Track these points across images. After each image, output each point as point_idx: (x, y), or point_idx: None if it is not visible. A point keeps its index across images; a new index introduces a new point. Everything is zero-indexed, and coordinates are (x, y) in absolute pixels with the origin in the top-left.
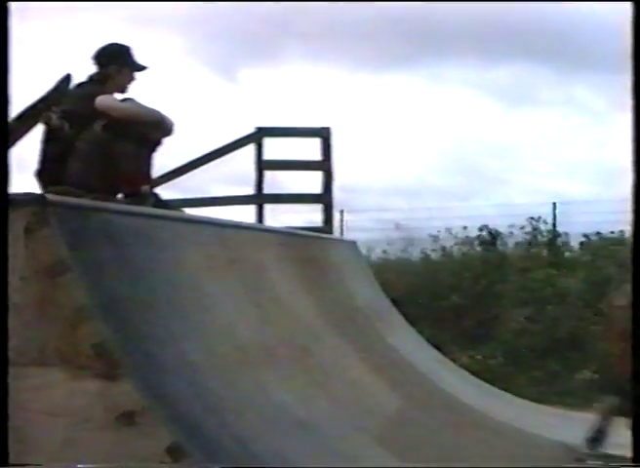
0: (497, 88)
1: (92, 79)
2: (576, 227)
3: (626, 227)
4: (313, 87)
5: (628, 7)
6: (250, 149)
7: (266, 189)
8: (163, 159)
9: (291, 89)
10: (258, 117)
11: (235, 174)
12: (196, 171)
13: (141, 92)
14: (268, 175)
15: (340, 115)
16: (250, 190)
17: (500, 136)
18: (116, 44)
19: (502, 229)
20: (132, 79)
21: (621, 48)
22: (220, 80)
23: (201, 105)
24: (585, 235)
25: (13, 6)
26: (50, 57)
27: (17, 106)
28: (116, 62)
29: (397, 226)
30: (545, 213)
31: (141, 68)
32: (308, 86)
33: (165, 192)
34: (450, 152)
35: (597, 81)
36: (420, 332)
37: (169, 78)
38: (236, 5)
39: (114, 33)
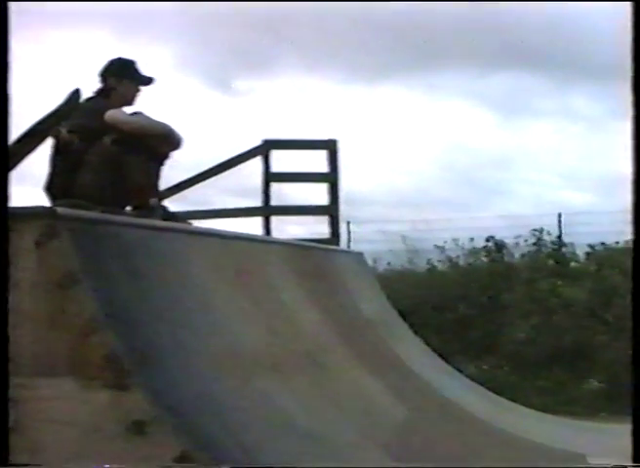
0: (494, 97)
1: (100, 93)
2: (580, 238)
3: (631, 237)
4: (309, 98)
5: (625, 11)
6: (256, 161)
7: (272, 201)
8: (168, 171)
9: (287, 100)
10: (254, 128)
11: (241, 186)
12: (203, 183)
13: (143, 105)
14: (274, 186)
15: (337, 126)
16: (255, 202)
17: (499, 147)
18: (122, 58)
19: (508, 240)
20: (137, 91)
21: (618, 56)
22: (214, 92)
23: (196, 117)
24: (590, 245)
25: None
26: (42, 71)
27: (21, 121)
28: (123, 76)
29: (403, 238)
30: (550, 223)
31: (148, 81)
32: (304, 97)
33: (172, 204)
34: (449, 163)
35: (594, 90)
36: (427, 343)
37: (163, 90)
38: (228, 16)
39: (104, 46)
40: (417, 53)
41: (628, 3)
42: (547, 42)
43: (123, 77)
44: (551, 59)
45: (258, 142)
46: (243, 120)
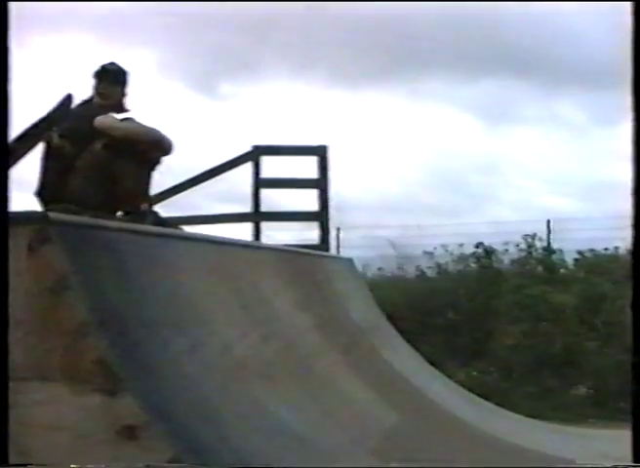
0: (478, 103)
1: (91, 99)
2: (568, 244)
3: (620, 243)
4: (294, 102)
5: (613, 18)
6: (243, 167)
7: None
8: (158, 177)
9: (271, 105)
10: (239, 133)
11: (227, 192)
12: (192, 189)
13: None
14: (264, 192)
15: (323, 132)
16: (240, 208)
17: (485, 153)
18: (114, 64)
19: (497, 246)
20: (124, 96)
21: (604, 62)
22: (198, 96)
23: (181, 121)
24: (579, 251)
25: None
26: (27, 76)
27: (17, 127)
28: (114, 82)
29: (392, 244)
30: (538, 229)
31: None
32: (289, 102)
33: (161, 210)
34: (435, 169)
35: (580, 96)
36: (417, 349)
37: (148, 95)
38: (212, 20)
39: (88, 50)
40: (401, 58)
41: (628, 3)
42: (533, 48)
43: (115, 83)
44: (537, 66)
45: (243, 147)
46: (228, 125)
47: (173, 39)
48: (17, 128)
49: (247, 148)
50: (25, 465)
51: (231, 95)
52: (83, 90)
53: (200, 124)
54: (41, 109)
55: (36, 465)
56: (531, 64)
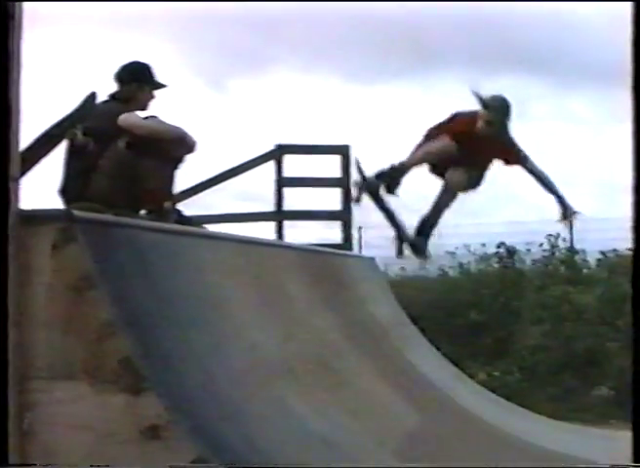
0: None
1: (114, 97)
2: (589, 244)
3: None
4: (308, 99)
5: (624, 14)
6: (264, 166)
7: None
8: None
9: (285, 102)
10: (253, 130)
11: (247, 190)
12: (214, 187)
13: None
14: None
15: (339, 128)
16: (258, 207)
17: None
18: (137, 62)
19: (518, 246)
20: (152, 97)
21: (617, 59)
22: (210, 92)
23: (195, 118)
24: (602, 252)
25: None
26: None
27: (37, 126)
28: (137, 80)
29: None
30: (558, 229)
31: (161, 86)
32: (303, 98)
33: (184, 209)
34: None
35: (593, 94)
36: (438, 349)
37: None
38: (225, 15)
39: (99, 47)
40: (415, 55)
41: (628, 3)
42: (546, 45)
43: (139, 81)
44: (550, 63)
45: (258, 144)
46: (241, 122)
47: (183, 35)
48: (36, 127)
49: (267, 146)
50: (25, 465)
51: (244, 91)
52: (98, 86)
53: (213, 121)
54: (58, 107)
55: (36, 465)
56: (545, 62)
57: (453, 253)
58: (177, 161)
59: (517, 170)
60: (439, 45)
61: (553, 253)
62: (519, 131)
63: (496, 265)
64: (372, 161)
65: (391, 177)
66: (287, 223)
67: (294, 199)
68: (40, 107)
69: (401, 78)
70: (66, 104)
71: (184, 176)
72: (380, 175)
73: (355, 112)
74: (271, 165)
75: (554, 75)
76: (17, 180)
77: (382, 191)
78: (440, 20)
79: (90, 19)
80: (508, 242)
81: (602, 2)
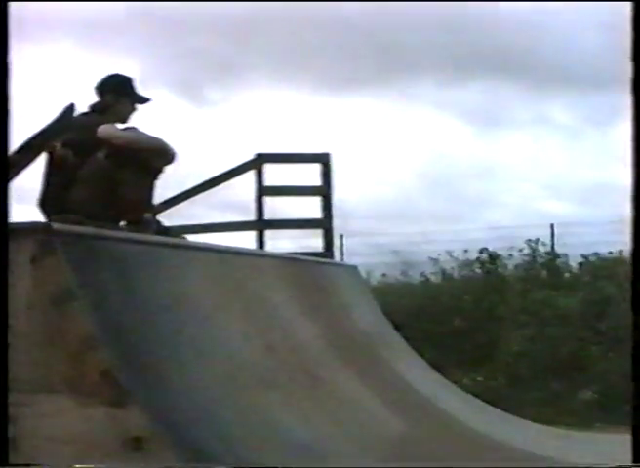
0: (468, 106)
1: (94, 109)
2: (570, 248)
3: (624, 247)
4: (282, 108)
5: (603, 18)
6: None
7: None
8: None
9: (259, 111)
10: (228, 140)
11: (227, 200)
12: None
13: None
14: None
15: (313, 137)
16: (242, 216)
17: (478, 157)
18: (118, 75)
19: (500, 252)
20: (133, 110)
21: (595, 63)
22: (184, 102)
23: (172, 129)
24: (584, 256)
25: None
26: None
27: (16, 137)
28: (118, 93)
29: (395, 252)
30: (539, 234)
31: (143, 100)
32: (277, 107)
33: (166, 219)
34: (431, 174)
35: (570, 98)
36: (422, 355)
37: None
38: (192, 24)
39: (70, 58)
40: (389, 61)
41: (621, 3)
42: (522, 49)
43: (120, 94)
44: (527, 67)
45: (235, 154)
46: (216, 131)
47: (154, 45)
48: (16, 138)
49: (246, 156)
50: (25, 465)
51: (218, 101)
52: (70, 98)
53: (189, 131)
54: (33, 119)
55: (36, 465)
56: (521, 66)
57: (435, 260)
58: (156, 172)
59: None
60: (414, 50)
61: (534, 258)
62: (497, 135)
63: (478, 271)
64: (349, 168)
65: None
66: (268, 232)
67: (274, 208)
68: (18, 119)
69: (375, 85)
70: (45, 116)
71: (164, 187)
72: None
73: (330, 121)
74: (251, 174)
75: (531, 79)
76: None
77: None
78: (414, 25)
79: (66, 32)
80: (490, 247)
81: (596, 2)
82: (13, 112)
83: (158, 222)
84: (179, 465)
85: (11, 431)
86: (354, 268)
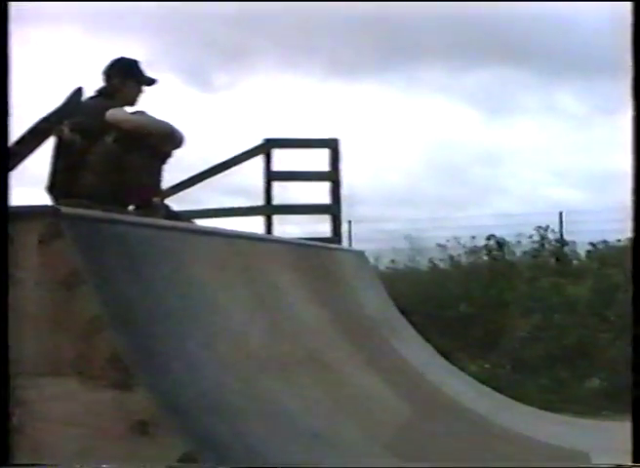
0: (477, 93)
1: (102, 92)
2: (578, 236)
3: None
4: (290, 94)
5: (610, 7)
6: (252, 161)
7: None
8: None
9: (268, 97)
10: (237, 125)
11: (235, 185)
12: (203, 182)
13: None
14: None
15: (321, 123)
16: (249, 201)
17: (486, 144)
18: (125, 58)
19: (508, 238)
20: (140, 92)
21: (604, 51)
22: (192, 88)
23: (179, 114)
24: (592, 243)
25: None
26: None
27: (23, 122)
28: (125, 76)
29: (406, 237)
30: (547, 221)
31: (151, 82)
32: (285, 93)
33: (173, 204)
34: (439, 161)
35: (578, 85)
36: (429, 341)
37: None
38: (202, 11)
39: (78, 44)
40: (398, 48)
41: (628, 3)
42: (530, 37)
43: (127, 77)
44: (535, 54)
45: (242, 139)
46: (225, 117)
47: (161, 30)
48: (22, 123)
49: (254, 141)
50: (25, 465)
51: (226, 86)
52: (82, 82)
53: (197, 116)
54: (41, 104)
55: (36, 465)
56: (529, 53)
57: (443, 246)
58: (165, 156)
59: None
60: (423, 38)
61: (543, 245)
62: (506, 122)
63: (486, 257)
64: (357, 154)
65: None
66: (276, 218)
67: (283, 193)
68: (26, 103)
69: (384, 71)
70: (53, 100)
71: (173, 172)
72: None
73: (338, 107)
74: (260, 159)
75: (540, 66)
76: None
77: None
78: (422, 13)
79: (72, 18)
80: (498, 234)
81: (601, 2)
82: (18, 99)
83: (167, 207)
84: (179, 465)
85: (16, 414)
86: (362, 254)
